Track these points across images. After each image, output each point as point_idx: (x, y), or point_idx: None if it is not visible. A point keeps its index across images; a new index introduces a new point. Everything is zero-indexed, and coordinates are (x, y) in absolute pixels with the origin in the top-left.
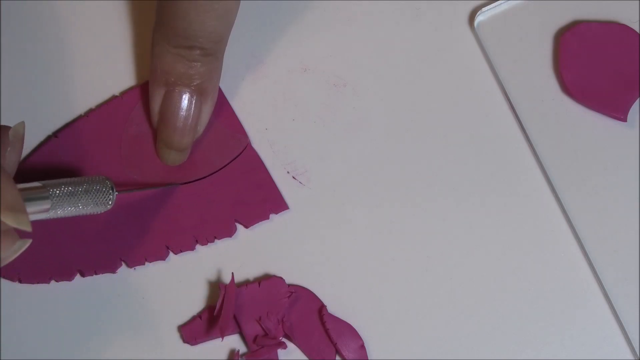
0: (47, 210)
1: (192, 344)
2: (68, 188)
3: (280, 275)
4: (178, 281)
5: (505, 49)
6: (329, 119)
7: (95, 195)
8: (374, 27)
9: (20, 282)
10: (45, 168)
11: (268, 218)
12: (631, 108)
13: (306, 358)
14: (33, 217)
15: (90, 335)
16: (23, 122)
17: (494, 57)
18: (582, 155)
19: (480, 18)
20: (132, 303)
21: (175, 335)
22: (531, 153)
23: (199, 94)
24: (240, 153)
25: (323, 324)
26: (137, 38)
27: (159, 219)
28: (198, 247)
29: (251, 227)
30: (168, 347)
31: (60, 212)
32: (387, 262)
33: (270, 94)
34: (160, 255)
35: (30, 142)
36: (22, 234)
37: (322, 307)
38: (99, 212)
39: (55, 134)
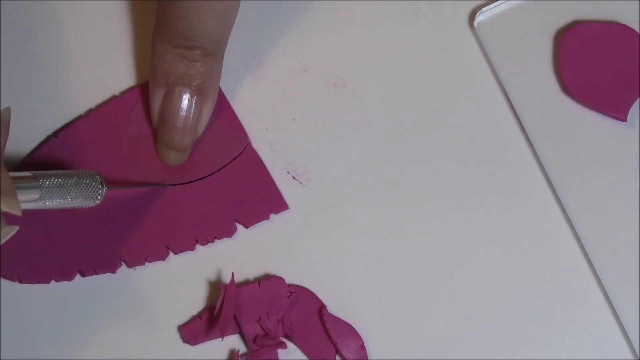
0: (35, 200)
1: (192, 344)
2: (58, 180)
3: (280, 275)
4: (178, 281)
5: (505, 49)
6: (329, 119)
7: (85, 189)
8: (374, 27)
9: (20, 282)
10: (45, 168)
11: (268, 218)
12: (631, 108)
13: (306, 358)
14: (21, 206)
15: (90, 336)
16: (9, 108)
17: (494, 57)
18: (582, 155)
19: (480, 18)
20: (132, 303)
21: (175, 335)
22: (531, 153)
23: (199, 94)
24: (240, 153)
25: (323, 324)
26: (137, 38)
27: (159, 219)
28: (198, 247)
29: (251, 227)
30: (168, 347)
31: (48, 203)
32: (387, 262)
33: (270, 94)
34: (160, 255)
35: (30, 142)
36: (10, 222)
37: (322, 307)
38: (87, 207)
39: (55, 134)
